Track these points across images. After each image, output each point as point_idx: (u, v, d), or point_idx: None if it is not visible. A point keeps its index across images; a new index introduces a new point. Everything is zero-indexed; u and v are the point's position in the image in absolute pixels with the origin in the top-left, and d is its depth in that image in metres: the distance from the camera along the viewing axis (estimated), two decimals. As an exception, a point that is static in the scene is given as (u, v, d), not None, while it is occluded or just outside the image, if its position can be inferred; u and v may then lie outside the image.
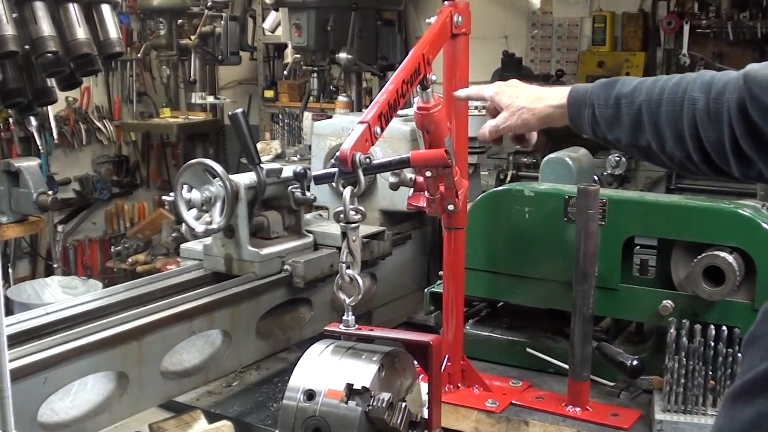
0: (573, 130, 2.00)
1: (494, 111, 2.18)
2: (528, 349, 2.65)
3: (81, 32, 2.79)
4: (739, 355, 2.16)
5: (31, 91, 2.96)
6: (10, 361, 1.57)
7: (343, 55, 5.81)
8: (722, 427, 1.31)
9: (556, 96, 2.03)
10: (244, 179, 2.64)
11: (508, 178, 5.30)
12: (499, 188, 2.77)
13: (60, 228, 7.35)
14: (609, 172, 5.22)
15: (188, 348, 2.47)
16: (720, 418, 1.36)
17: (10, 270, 6.39)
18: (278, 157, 6.07)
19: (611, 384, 2.51)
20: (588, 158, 3.10)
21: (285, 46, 6.72)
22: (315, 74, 6.33)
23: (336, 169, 1.76)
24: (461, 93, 2.28)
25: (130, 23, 7.86)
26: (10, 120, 6.76)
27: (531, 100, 2.08)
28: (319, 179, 1.93)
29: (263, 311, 2.66)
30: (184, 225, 2.61)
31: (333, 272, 2.72)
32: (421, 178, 2.23)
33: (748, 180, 1.59)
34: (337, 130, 3.23)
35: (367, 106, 2.16)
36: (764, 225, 2.28)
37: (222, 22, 7.08)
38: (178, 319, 2.37)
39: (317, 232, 2.86)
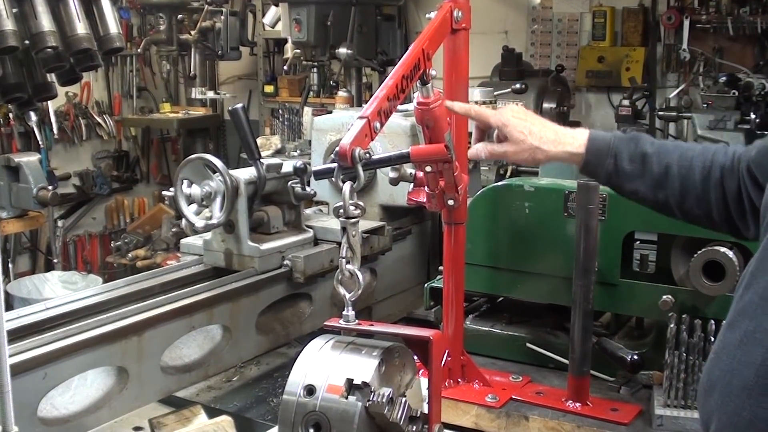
0: (581, 172, 2.02)
1: (484, 131, 2.14)
2: (528, 344, 2.66)
3: (81, 27, 2.79)
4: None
5: (31, 86, 2.96)
6: (10, 356, 1.57)
7: (343, 51, 5.81)
8: (718, 349, 1.54)
9: (574, 142, 1.99)
10: (244, 174, 2.64)
11: (508, 174, 5.29)
12: (499, 183, 2.77)
13: (60, 223, 7.34)
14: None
15: (188, 343, 2.47)
16: (717, 342, 1.56)
17: (10, 265, 6.39)
18: (278, 153, 6.07)
19: (611, 379, 2.51)
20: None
21: (285, 41, 6.70)
22: (315, 69, 6.33)
23: (336, 164, 1.76)
24: (458, 107, 2.17)
25: (130, 18, 7.85)
26: (10, 115, 6.75)
27: (546, 142, 2.01)
28: (319, 174, 1.93)
29: (263, 306, 2.66)
30: (184, 220, 2.61)
31: (333, 267, 2.72)
32: (421, 174, 2.23)
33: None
34: (337, 125, 3.23)
35: (366, 102, 2.16)
36: (764, 220, 2.28)
37: (222, 17, 7.08)
38: (178, 314, 2.37)
39: (317, 227, 2.86)
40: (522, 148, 2.03)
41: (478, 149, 2.11)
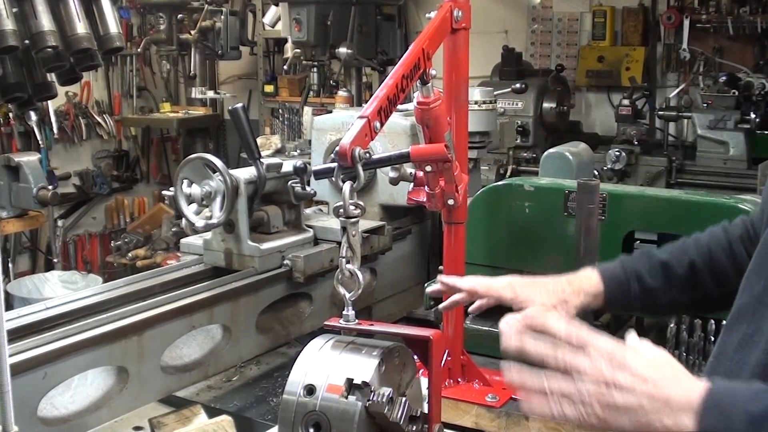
0: (610, 309, 1.92)
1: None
2: (528, 344, 2.65)
3: (81, 27, 2.79)
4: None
5: (31, 85, 2.96)
6: (10, 355, 1.57)
7: (343, 50, 5.81)
8: (717, 352, 1.52)
9: (590, 283, 1.85)
10: (244, 174, 2.64)
11: (508, 173, 5.30)
12: (499, 183, 2.77)
13: (60, 223, 7.33)
14: (609, 166, 5.22)
15: (188, 343, 2.47)
16: (717, 345, 1.55)
17: (10, 265, 6.38)
18: (278, 152, 6.07)
19: (611, 379, 2.51)
20: (588, 153, 3.10)
21: (285, 40, 6.71)
22: (315, 69, 6.33)
23: (336, 164, 1.76)
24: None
25: (130, 18, 7.85)
26: (10, 115, 6.75)
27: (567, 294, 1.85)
28: (319, 174, 1.94)
29: (263, 306, 2.66)
30: (184, 220, 2.61)
31: (333, 267, 2.72)
32: (421, 173, 2.23)
33: None
34: (337, 124, 3.23)
35: (366, 101, 2.16)
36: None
37: (222, 16, 7.09)
38: (178, 314, 2.37)
39: (317, 226, 2.86)
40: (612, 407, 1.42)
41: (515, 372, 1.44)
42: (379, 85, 1.97)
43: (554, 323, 1.42)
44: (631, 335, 1.42)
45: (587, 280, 1.88)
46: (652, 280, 1.82)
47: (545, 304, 1.83)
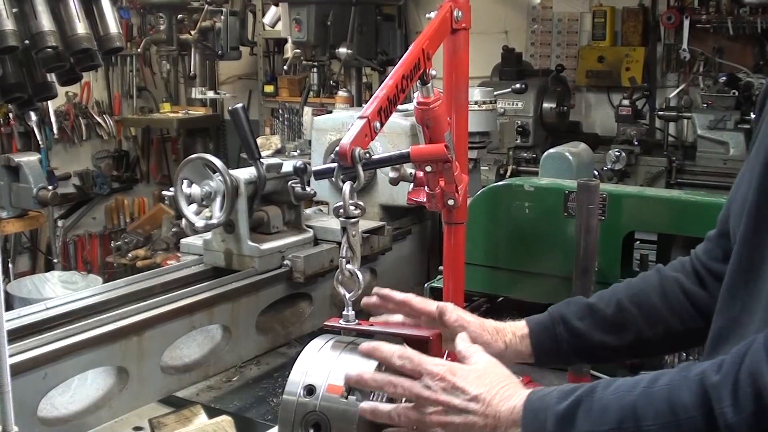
0: (537, 359, 1.81)
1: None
2: (528, 344, 2.65)
3: (81, 27, 2.79)
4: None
5: (31, 86, 2.96)
6: (10, 356, 1.57)
7: (343, 50, 5.81)
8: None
9: (515, 327, 1.78)
10: (244, 174, 2.64)
11: (508, 173, 5.30)
12: (499, 183, 2.77)
13: (60, 223, 7.34)
14: (609, 167, 5.22)
15: (188, 343, 2.47)
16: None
17: (10, 265, 6.38)
18: (278, 152, 6.08)
19: (611, 379, 2.51)
20: (588, 153, 3.10)
21: (285, 41, 6.71)
22: (315, 69, 6.33)
23: (336, 164, 1.76)
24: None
25: (130, 18, 7.85)
26: (10, 115, 6.75)
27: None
28: (319, 174, 1.94)
29: (263, 306, 2.66)
30: (184, 220, 2.61)
31: (333, 267, 2.72)
32: (421, 173, 2.22)
33: None
34: (337, 125, 3.23)
35: (366, 101, 2.16)
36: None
37: (222, 17, 7.08)
38: (178, 314, 2.37)
39: (317, 227, 2.86)
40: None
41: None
42: (379, 86, 1.97)
43: (386, 348, 1.52)
44: (462, 339, 1.57)
45: (514, 324, 1.79)
46: (577, 321, 1.75)
47: (477, 324, 1.74)
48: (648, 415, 1.27)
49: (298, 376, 1.59)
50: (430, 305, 1.76)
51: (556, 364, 1.59)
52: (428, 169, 2.16)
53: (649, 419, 1.27)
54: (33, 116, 6.34)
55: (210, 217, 2.57)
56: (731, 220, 1.57)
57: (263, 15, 7.41)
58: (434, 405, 1.45)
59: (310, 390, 1.56)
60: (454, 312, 1.73)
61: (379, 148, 2.86)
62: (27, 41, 2.72)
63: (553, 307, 1.80)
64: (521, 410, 1.41)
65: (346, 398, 1.54)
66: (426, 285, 2.81)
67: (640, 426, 1.27)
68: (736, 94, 5.46)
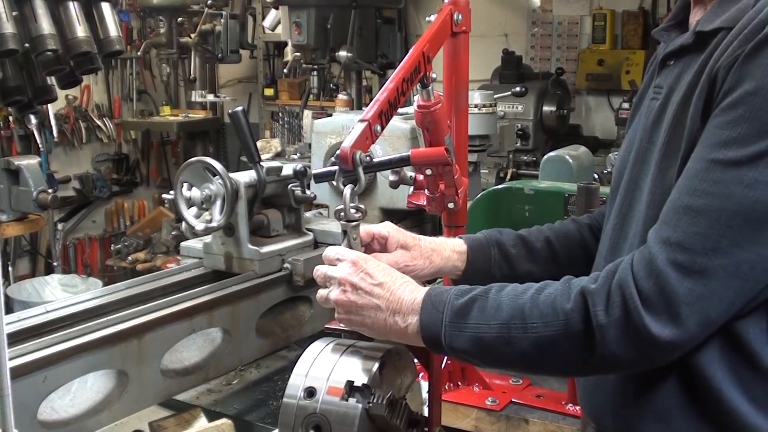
0: (467, 272, 1.89)
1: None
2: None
3: (81, 30, 2.79)
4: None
5: (31, 89, 2.96)
6: (10, 359, 1.57)
7: (343, 53, 5.81)
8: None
9: (455, 243, 1.89)
10: (244, 177, 2.64)
11: (508, 176, 5.29)
12: (499, 186, 2.77)
13: (60, 226, 7.34)
14: (609, 170, 5.21)
15: (188, 346, 2.47)
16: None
17: (10, 268, 6.39)
18: (278, 155, 6.07)
19: (611, 382, 2.50)
20: (588, 156, 3.10)
21: (285, 44, 6.72)
22: (315, 72, 6.33)
23: (336, 167, 1.76)
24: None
25: (130, 21, 7.86)
26: (10, 118, 6.75)
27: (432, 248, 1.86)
28: (319, 177, 1.93)
29: (263, 309, 2.66)
30: (183, 223, 2.61)
31: (333, 270, 2.71)
32: (421, 177, 2.22)
33: None
34: (337, 128, 3.23)
35: (367, 104, 2.16)
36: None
37: (222, 20, 7.09)
38: (178, 317, 2.37)
39: (317, 230, 2.86)
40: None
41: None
42: (380, 89, 1.97)
43: (327, 250, 1.70)
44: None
45: (453, 241, 1.92)
46: (510, 248, 1.89)
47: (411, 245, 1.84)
48: (534, 314, 1.45)
49: (299, 379, 1.59)
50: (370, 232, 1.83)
51: (482, 282, 1.68)
52: (428, 172, 2.16)
53: (535, 318, 1.45)
54: (33, 119, 6.33)
55: (210, 220, 2.57)
56: (615, 170, 1.76)
57: (263, 18, 7.42)
58: (343, 284, 1.60)
59: (310, 392, 1.56)
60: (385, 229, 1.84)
61: (380, 152, 2.86)
62: (27, 44, 2.73)
63: (488, 231, 1.93)
64: (421, 301, 1.56)
65: (347, 400, 1.54)
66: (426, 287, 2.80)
67: (527, 324, 1.45)
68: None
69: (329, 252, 1.68)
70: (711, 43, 1.48)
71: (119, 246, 6.66)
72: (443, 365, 2.41)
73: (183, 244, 2.90)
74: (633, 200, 1.62)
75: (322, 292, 1.67)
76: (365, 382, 1.55)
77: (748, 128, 1.32)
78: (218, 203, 2.55)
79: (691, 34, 1.54)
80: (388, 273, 1.62)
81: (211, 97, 7.57)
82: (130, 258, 6.47)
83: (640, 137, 1.63)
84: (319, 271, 1.68)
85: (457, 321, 1.51)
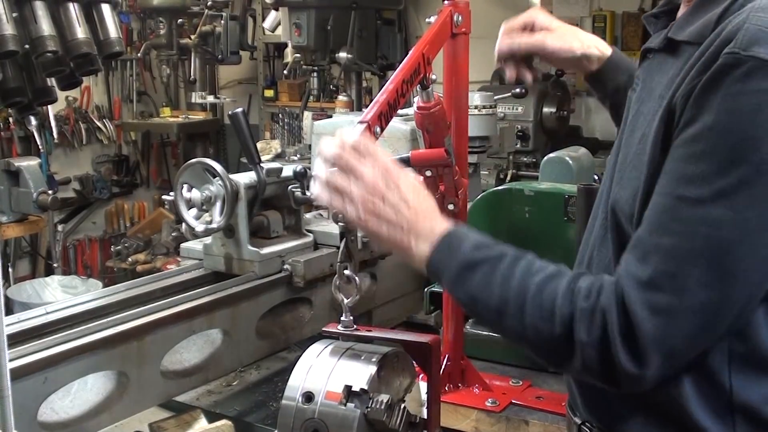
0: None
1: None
2: (528, 349, 2.65)
3: (81, 32, 2.80)
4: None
5: (31, 90, 2.97)
6: (10, 360, 1.57)
7: (343, 55, 5.81)
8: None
9: (605, 46, 2.15)
10: (244, 179, 2.64)
11: (508, 178, 5.29)
12: (499, 188, 2.77)
13: (60, 227, 7.34)
14: (609, 171, 5.21)
15: (188, 347, 2.47)
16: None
17: (10, 269, 6.39)
18: (278, 157, 6.07)
19: (611, 383, 2.50)
20: (588, 157, 3.10)
21: (285, 45, 6.71)
22: (315, 74, 6.33)
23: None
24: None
25: (130, 22, 7.85)
26: (10, 119, 6.76)
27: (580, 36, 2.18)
28: (319, 179, 1.93)
29: (263, 311, 2.66)
30: (184, 224, 2.61)
31: (333, 272, 2.70)
32: (421, 178, 2.22)
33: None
34: (337, 129, 3.22)
35: (367, 106, 2.16)
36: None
37: (222, 21, 7.09)
38: (178, 319, 2.37)
39: (317, 231, 2.86)
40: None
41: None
42: (379, 90, 1.97)
43: (347, 134, 1.67)
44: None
45: (605, 44, 2.18)
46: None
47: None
48: (534, 304, 1.45)
49: (297, 382, 1.59)
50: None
51: (596, 90, 2.10)
52: (428, 173, 2.16)
53: (534, 307, 1.45)
54: (33, 121, 6.35)
55: (210, 222, 2.57)
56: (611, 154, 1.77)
57: (263, 19, 7.42)
58: (368, 190, 1.56)
59: (308, 397, 1.56)
60: (540, 16, 2.21)
61: (379, 153, 2.85)
62: (27, 45, 2.73)
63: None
64: (440, 235, 1.55)
65: (345, 405, 1.54)
66: (426, 290, 2.81)
67: (525, 309, 1.46)
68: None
69: (358, 142, 1.64)
70: (680, 52, 1.48)
71: (119, 247, 6.66)
72: (442, 367, 2.41)
73: (183, 245, 2.91)
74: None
75: (334, 179, 1.59)
76: (363, 386, 1.55)
77: (709, 165, 1.31)
78: (218, 204, 2.55)
79: (663, 39, 1.55)
80: (416, 191, 1.60)
81: (211, 99, 7.57)
82: (130, 259, 6.47)
83: (623, 129, 1.66)
84: (338, 153, 1.62)
85: (464, 272, 1.52)
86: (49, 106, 6.22)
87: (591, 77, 2.13)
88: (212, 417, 2.41)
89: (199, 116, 7.65)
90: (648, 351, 1.35)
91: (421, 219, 1.57)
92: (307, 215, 3.04)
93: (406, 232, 1.56)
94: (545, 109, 5.72)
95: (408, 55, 2.06)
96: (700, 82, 1.34)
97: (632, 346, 1.36)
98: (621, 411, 1.56)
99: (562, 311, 1.43)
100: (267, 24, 7.27)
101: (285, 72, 7.03)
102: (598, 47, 2.14)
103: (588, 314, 1.40)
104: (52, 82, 3.00)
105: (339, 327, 1.70)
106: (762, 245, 1.32)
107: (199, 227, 2.56)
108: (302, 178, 2.67)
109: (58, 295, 5.73)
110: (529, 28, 2.15)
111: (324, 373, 1.59)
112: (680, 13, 1.57)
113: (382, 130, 1.89)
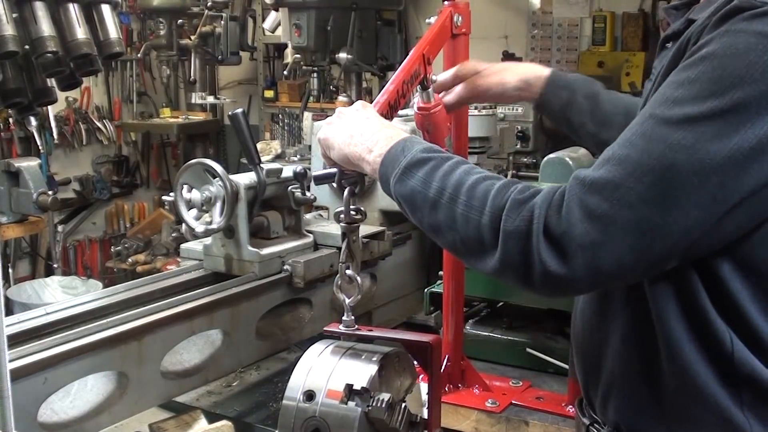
0: (536, 107, 2.17)
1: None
2: (528, 349, 2.65)
3: (81, 32, 2.80)
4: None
5: (31, 91, 2.97)
6: (10, 361, 1.57)
7: (343, 55, 5.80)
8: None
9: (542, 72, 2.14)
10: (244, 179, 2.64)
11: (508, 178, 5.29)
12: (499, 188, 2.76)
13: (60, 228, 7.34)
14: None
15: (188, 348, 2.47)
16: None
17: (10, 270, 6.38)
18: (278, 157, 6.07)
19: (611, 384, 2.50)
20: (588, 158, 3.10)
21: (285, 46, 6.71)
22: (315, 74, 6.32)
23: (336, 169, 1.76)
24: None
25: (130, 23, 7.85)
26: (10, 120, 6.75)
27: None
28: (320, 179, 1.93)
29: (263, 311, 2.66)
30: (184, 225, 2.61)
31: (333, 272, 2.72)
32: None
33: None
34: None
35: (367, 106, 2.16)
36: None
37: (222, 22, 7.08)
38: (178, 319, 2.37)
39: (317, 232, 2.86)
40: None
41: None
42: (380, 91, 1.97)
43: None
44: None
45: (540, 70, 2.15)
46: (582, 98, 2.10)
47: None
48: (467, 193, 1.49)
49: (298, 382, 1.59)
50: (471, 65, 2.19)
51: (542, 112, 2.13)
52: (428, 174, 2.16)
53: (465, 195, 1.48)
54: (33, 121, 6.33)
55: (210, 222, 2.57)
56: None
57: (263, 20, 7.42)
58: (342, 112, 1.76)
59: (309, 395, 1.56)
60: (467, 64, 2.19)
61: (379, 153, 2.85)
62: (27, 46, 2.73)
63: (577, 76, 2.12)
64: (396, 141, 1.64)
65: (346, 404, 1.54)
66: (426, 290, 2.81)
67: (458, 197, 1.49)
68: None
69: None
70: None
71: (119, 248, 6.66)
72: (443, 367, 2.41)
73: (183, 246, 2.91)
74: None
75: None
76: (364, 385, 1.55)
77: (689, 90, 1.32)
78: (218, 205, 2.55)
79: (684, 20, 1.54)
80: (384, 121, 1.74)
81: (211, 99, 7.56)
82: (130, 260, 6.47)
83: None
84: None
85: (410, 169, 1.57)
86: (49, 107, 6.22)
87: (537, 103, 2.14)
88: (212, 417, 2.41)
89: (199, 117, 7.64)
90: (570, 251, 1.34)
91: (384, 130, 1.68)
92: (307, 216, 3.05)
93: (369, 138, 1.67)
94: (545, 110, 5.70)
95: (408, 56, 2.06)
96: (713, 20, 1.36)
97: (555, 241, 1.35)
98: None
99: (494, 202, 1.44)
100: (267, 24, 7.26)
101: (285, 72, 7.02)
102: (534, 72, 2.15)
103: (517, 205, 1.41)
104: (52, 82, 3.00)
105: (340, 327, 1.70)
106: (712, 183, 1.29)
107: (199, 228, 2.56)
108: (302, 178, 2.67)
109: (58, 295, 5.73)
110: (459, 80, 2.19)
111: (325, 372, 1.59)
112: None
113: (383, 130, 1.89)
